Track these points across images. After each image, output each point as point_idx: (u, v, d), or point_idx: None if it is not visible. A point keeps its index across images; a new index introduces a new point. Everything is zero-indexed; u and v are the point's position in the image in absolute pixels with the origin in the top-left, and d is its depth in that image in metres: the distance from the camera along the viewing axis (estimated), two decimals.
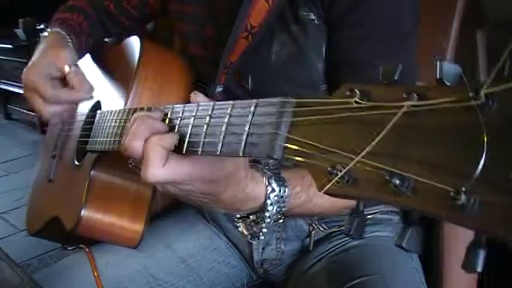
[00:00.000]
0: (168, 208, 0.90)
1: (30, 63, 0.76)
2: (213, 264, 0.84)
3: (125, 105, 0.71)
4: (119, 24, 0.94)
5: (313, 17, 0.67)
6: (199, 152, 0.44)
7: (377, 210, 0.80)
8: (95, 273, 0.76)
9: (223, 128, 0.41)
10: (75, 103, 0.78)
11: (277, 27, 0.70)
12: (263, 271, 0.83)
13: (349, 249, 0.76)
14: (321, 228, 0.79)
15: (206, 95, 0.75)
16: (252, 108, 0.39)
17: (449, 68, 0.30)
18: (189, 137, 0.46)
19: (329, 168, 0.31)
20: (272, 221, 0.57)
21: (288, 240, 0.79)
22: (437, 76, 0.30)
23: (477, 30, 1.16)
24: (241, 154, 0.38)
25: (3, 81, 3.48)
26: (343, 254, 0.75)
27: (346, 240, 0.77)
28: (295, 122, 0.35)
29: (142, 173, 0.46)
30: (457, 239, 0.79)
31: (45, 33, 0.83)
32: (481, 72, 1.17)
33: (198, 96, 0.49)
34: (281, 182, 0.56)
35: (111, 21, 0.94)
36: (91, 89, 0.74)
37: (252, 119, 0.38)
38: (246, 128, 0.38)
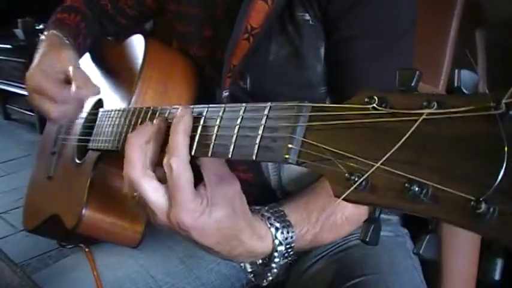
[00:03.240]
0: None
1: (32, 66, 0.75)
2: (213, 265, 0.83)
3: (129, 104, 0.71)
4: (116, 23, 0.93)
5: (307, 17, 0.67)
6: (210, 154, 0.44)
7: None
8: (95, 274, 0.76)
9: (236, 130, 0.41)
10: (83, 101, 0.76)
11: (275, 28, 0.69)
12: None
13: (348, 249, 0.76)
14: None
15: (213, 98, 0.76)
16: (266, 111, 0.38)
17: (467, 76, 0.31)
18: (198, 139, 0.46)
19: (347, 175, 0.31)
20: (277, 269, 0.57)
21: None
22: (455, 84, 0.31)
23: (476, 30, 1.16)
24: (254, 158, 0.38)
25: (2, 81, 3.50)
26: (342, 254, 0.75)
27: (345, 239, 0.77)
28: (311, 126, 0.35)
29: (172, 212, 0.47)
30: (456, 237, 0.80)
31: (43, 36, 0.82)
32: (479, 71, 1.18)
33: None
34: (287, 230, 0.56)
35: (108, 20, 0.93)
36: (96, 87, 0.73)
37: (266, 122, 0.38)
38: (260, 131, 0.38)
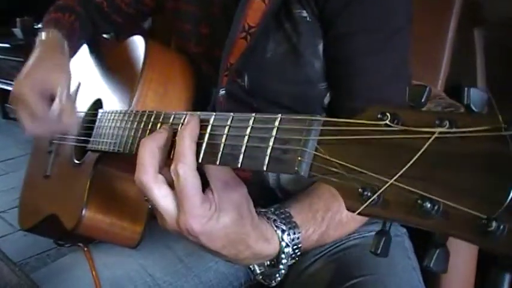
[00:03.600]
0: None
1: (23, 72, 0.74)
2: (211, 263, 0.84)
3: (129, 106, 0.70)
4: (111, 22, 0.92)
5: (305, 14, 0.68)
6: (218, 163, 0.44)
7: None
8: (93, 273, 0.76)
9: (245, 141, 0.41)
10: (60, 130, 0.76)
11: (272, 25, 0.70)
12: None
13: (346, 249, 0.76)
14: None
15: (209, 96, 0.76)
16: (277, 123, 0.39)
17: (476, 94, 0.31)
18: (206, 147, 0.46)
19: (360, 190, 0.32)
20: (286, 270, 0.57)
21: None
22: (465, 102, 0.31)
23: (475, 29, 1.18)
24: (265, 169, 0.38)
25: (0, 80, 3.45)
26: (340, 254, 0.76)
27: (343, 239, 0.78)
28: (323, 140, 0.35)
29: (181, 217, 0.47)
30: (455, 245, 0.81)
31: (43, 36, 0.81)
32: (478, 70, 1.19)
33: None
34: (293, 231, 0.56)
35: (102, 19, 0.92)
36: (76, 118, 0.73)
37: (276, 134, 0.39)
38: (271, 143, 0.38)
